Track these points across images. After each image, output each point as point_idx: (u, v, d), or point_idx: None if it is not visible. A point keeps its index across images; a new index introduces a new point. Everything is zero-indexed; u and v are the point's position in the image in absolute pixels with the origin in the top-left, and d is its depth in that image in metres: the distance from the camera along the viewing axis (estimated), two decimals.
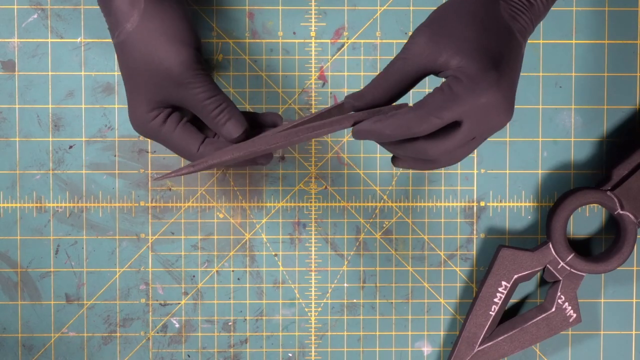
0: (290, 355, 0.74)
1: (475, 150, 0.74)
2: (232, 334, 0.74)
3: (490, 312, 0.70)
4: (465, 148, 0.56)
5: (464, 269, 0.74)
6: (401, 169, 0.73)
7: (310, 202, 0.74)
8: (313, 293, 0.74)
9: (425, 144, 0.55)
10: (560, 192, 0.74)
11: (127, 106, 0.61)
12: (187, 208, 0.74)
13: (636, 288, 0.74)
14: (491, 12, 0.55)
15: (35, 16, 0.73)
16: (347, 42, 0.73)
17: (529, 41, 0.73)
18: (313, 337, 0.74)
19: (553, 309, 0.70)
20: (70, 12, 0.73)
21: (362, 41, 0.73)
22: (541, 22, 0.73)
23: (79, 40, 0.73)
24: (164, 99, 0.60)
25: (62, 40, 0.73)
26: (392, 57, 0.73)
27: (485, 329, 0.70)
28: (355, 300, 0.74)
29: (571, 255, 0.70)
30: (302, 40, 0.73)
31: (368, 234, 0.74)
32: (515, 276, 0.70)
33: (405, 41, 0.73)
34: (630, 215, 0.69)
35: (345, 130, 0.74)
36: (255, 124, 0.63)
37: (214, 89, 0.60)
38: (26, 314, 0.73)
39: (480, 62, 0.53)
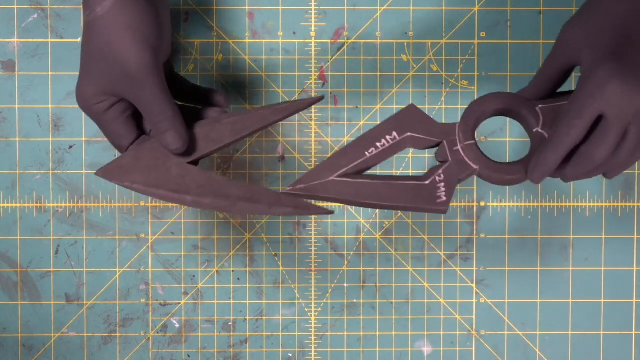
0: (290, 355, 0.74)
1: None
2: (232, 334, 0.74)
3: (366, 153, 0.64)
4: (627, 145, 0.57)
5: (464, 269, 0.74)
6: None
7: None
8: (313, 293, 0.74)
9: (585, 148, 0.57)
10: (560, 192, 0.74)
11: (77, 80, 0.62)
12: (187, 208, 0.74)
13: (636, 288, 0.74)
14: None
15: (35, 16, 0.72)
16: (347, 42, 0.73)
17: (528, 41, 0.73)
18: (313, 337, 0.74)
19: (427, 182, 0.64)
20: (70, 12, 0.73)
21: (362, 41, 0.73)
22: (541, 23, 0.73)
23: (79, 40, 0.73)
24: (114, 89, 0.60)
25: (62, 40, 0.73)
26: (392, 57, 0.73)
27: (353, 164, 0.64)
28: (355, 300, 0.74)
29: (471, 142, 0.64)
30: (302, 40, 0.73)
31: (368, 234, 0.74)
32: (409, 133, 0.64)
33: (405, 41, 0.74)
34: (546, 135, 0.64)
35: (346, 129, 0.74)
36: (200, 99, 0.65)
37: (162, 95, 0.60)
38: (26, 314, 0.73)
39: (595, 54, 0.56)
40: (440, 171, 0.63)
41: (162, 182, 0.61)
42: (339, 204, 0.64)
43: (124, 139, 0.62)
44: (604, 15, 0.57)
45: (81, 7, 0.73)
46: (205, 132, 0.62)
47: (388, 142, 0.64)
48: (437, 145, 0.64)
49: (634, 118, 0.55)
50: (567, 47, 0.59)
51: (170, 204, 0.73)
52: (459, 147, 0.63)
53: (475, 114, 0.63)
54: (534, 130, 0.63)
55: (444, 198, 0.63)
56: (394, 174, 0.68)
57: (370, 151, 0.63)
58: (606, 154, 0.56)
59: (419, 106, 0.73)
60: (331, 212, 0.60)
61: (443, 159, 0.64)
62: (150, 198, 0.73)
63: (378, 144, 0.63)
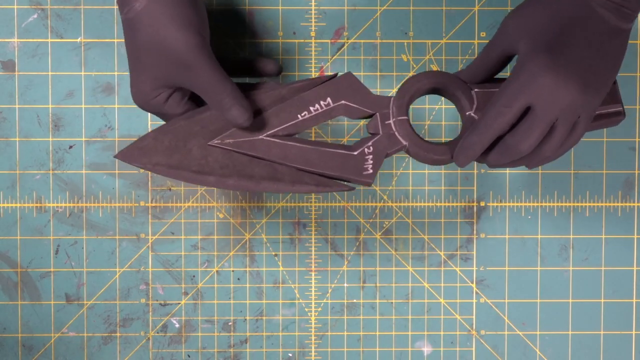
0: (290, 355, 0.74)
1: None
2: (232, 334, 0.74)
3: (299, 116, 0.63)
4: (552, 140, 0.57)
5: (464, 269, 0.74)
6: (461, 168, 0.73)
7: (310, 202, 0.74)
8: (313, 293, 0.74)
9: (511, 139, 0.57)
10: (560, 192, 0.74)
11: (129, 79, 0.62)
12: (187, 208, 0.74)
13: (636, 288, 0.74)
14: None
15: (35, 16, 0.73)
16: (347, 42, 0.73)
17: None
18: (313, 337, 0.74)
19: (356, 153, 0.64)
20: (70, 12, 0.73)
21: (362, 41, 0.73)
22: None
23: (79, 40, 0.73)
24: (169, 80, 0.60)
25: (62, 40, 0.73)
26: (392, 57, 0.73)
27: (283, 126, 0.63)
28: (355, 300, 0.74)
29: (404, 117, 0.63)
30: (302, 40, 0.73)
31: (368, 234, 0.74)
32: (344, 101, 0.64)
33: (405, 41, 0.74)
34: (473, 115, 0.64)
35: (345, 129, 0.74)
36: (251, 71, 0.65)
37: (219, 73, 0.60)
38: (26, 314, 0.73)
39: (532, 45, 0.56)
40: (370, 143, 0.62)
41: (184, 163, 0.61)
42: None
43: None
44: (545, 8, 0.57)
45: (81, 7, 0.73)
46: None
47: (322, 107, 0.63)
48: (370, 116, 0.63)
49: (561, 113, 0.55)
50: (507, 34, 0.59)
51: (170, 204, 0.73)
52: (391, 121, 0.63)
53: (411, 90, 0.62)
54: (467, 114, 0.62)
55: (371, 170, 0.62)
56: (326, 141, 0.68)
57: (302, 114, 0.63)
58: (530, 146, 0.56)
59: (418, 106, 0.73)
60: (352, 189, 0.61)
61: (374, 132, 0.63)
62: (150, 198, 0.73)
63: (311, 108, 0.63)
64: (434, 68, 0.73)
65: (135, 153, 0.61)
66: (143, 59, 0.60)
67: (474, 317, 0.74)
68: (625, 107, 0.74)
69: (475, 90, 0.62)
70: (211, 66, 0.60)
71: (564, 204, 0.74)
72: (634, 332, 0.75)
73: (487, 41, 0.74)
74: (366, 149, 0.63)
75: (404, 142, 0.62)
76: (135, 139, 0.62)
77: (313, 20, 0.73)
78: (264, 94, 0.62)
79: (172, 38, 0.59)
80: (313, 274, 0.74)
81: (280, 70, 0.66)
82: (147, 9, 0.59)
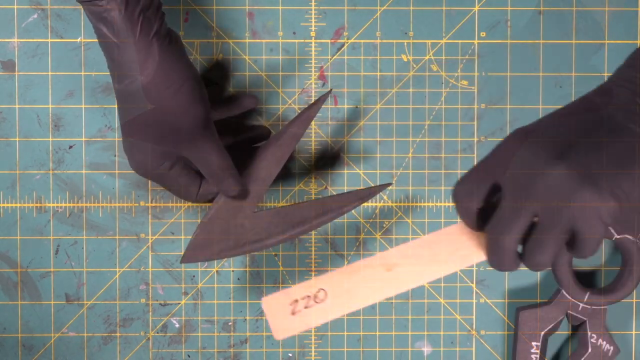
0: (290, 355, 0.74)
1: (475, 150, 0.74)
2: (232, 334, 0.74)
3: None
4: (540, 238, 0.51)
5: (464, 269, 0.74)
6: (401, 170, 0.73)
7: None
8: None
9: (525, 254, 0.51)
10: None
11: (126, 149, 0.65)
12: (187, 208, 0.74)
13: (636, 287, 0.74)
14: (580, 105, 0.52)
15: (35, 16, 0.73)
16: (347, 42, 0.73)
17: (528, 41, 0.73)
18: (313, 337, 0.74)
19: (590, 350, 0.71)
20: (70, 12, 0.73)
21: (362, 41, 0.73)
22: (541, 23, 0.73)
23: (79, 40, 0.73)
24: (171, 153, 0.63)
25: (62, 40, 0.73)
26: (392, 57, 0.73)
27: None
28: None
29: (587, 294, 0.70)
30: (302, 40, 0.73)
31: (368, 234, 0.74)
32: (543, 333, 0.71)
33: (405, 41, 0.74)
34: (629, 237, 0.70)
35: (345, 129, 0.74)
36: (231, 106, 0.70)
37: (218, 149, 0.63)
38: (26, 314, 0.73)
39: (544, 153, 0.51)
40: (589, 332, 0.71)
41: (242, 238, 0.65)
42: None
43: (191, 187, 0.66)
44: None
45: (81, 7, 0.73)
46: (253, 175, 0.67)
47: (536, 353, 0.72)
48: None
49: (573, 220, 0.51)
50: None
51: (170, 204, 0.73)
52: (583, 305, 0.71)
53: (567, 276, 0.70)
54: (614, 239, 0.70)
55: (611, 347, 0.71)
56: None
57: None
58: (545, 261, 0.51)
59: (418, 106, 0.73)
60: (389, 184, 0.69)
61: (578, 322, 0.72)
62: (150, 198, 0.73)
63: None
64: (434, 68, 0.73)
65: (197, 252, 0.66)
66: (147, 130, 0.61)
67: (474, 317, 0.74)
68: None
69: None
70: (213, 141, 0.63)
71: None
72: (634, 332, 0.75)
73: (488, 41, 0.74)
74: (592, 340, 0.71)
75: (606, 306, 0.72)
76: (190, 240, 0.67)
77: (313, 20, 0.73)
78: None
79: (180, 113, 0.61)
80: (313, 274, 0.74)
81: (257, 102, 0.70)
82: (153, 82, 0.60)
